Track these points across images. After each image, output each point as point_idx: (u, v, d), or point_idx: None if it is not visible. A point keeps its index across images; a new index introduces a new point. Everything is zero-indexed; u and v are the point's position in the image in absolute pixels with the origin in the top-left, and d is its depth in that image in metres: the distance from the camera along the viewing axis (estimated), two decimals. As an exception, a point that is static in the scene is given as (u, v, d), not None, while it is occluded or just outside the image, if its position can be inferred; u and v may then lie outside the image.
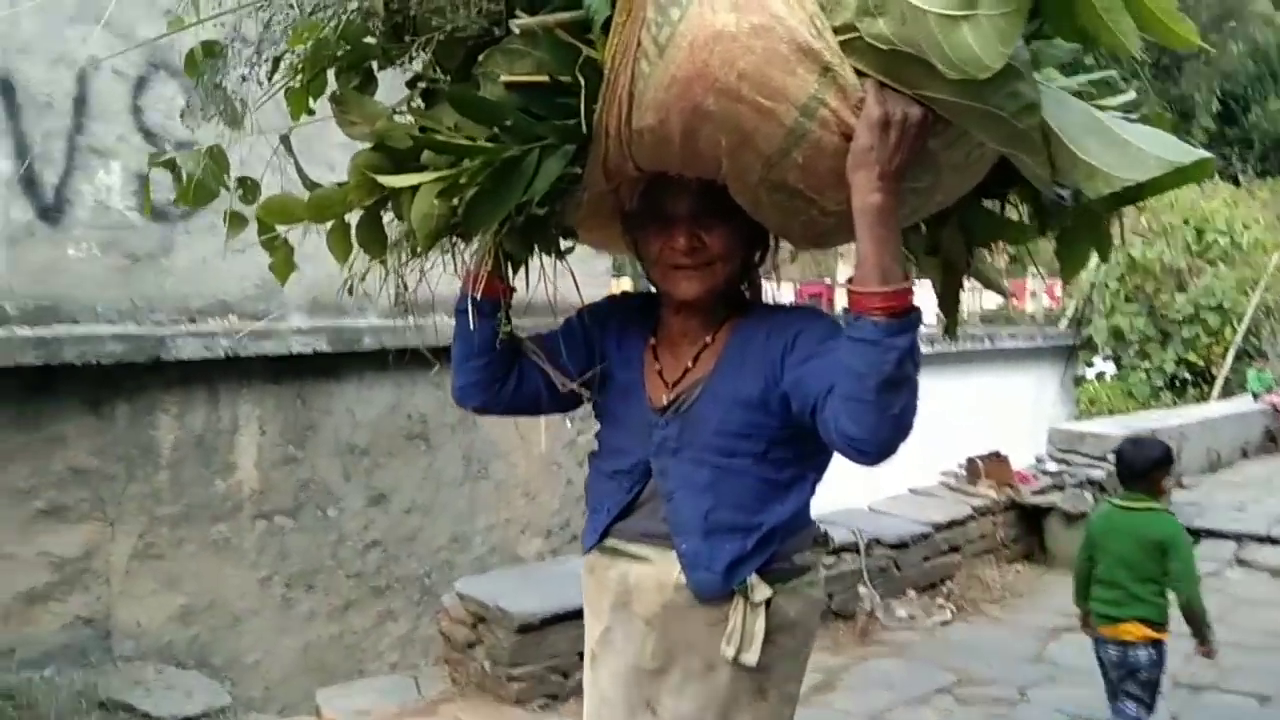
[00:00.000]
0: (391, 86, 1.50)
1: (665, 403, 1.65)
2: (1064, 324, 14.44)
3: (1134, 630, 3.20)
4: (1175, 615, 3.24)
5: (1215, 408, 10.77)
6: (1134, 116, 1.39)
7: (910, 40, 1.17)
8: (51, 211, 3.73)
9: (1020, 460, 6.81)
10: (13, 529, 3.59)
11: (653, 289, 1.76)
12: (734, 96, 1.27)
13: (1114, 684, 3.28)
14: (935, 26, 1.13)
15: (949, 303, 1.72)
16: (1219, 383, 12.71)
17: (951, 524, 5.73)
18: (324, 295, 4.10)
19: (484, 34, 1.37)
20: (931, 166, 1.34)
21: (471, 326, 1.64)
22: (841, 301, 11.20)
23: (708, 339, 1.66)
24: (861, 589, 4.99)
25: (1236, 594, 5.62)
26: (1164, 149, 1.20)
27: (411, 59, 1.45)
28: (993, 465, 6.41)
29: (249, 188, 1.65)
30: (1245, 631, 4.82)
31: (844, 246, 1.65)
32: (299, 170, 1.57)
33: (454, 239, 1.50)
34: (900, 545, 5.32)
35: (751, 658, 1.54)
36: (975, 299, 13.74)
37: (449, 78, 1.44)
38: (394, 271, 1.55)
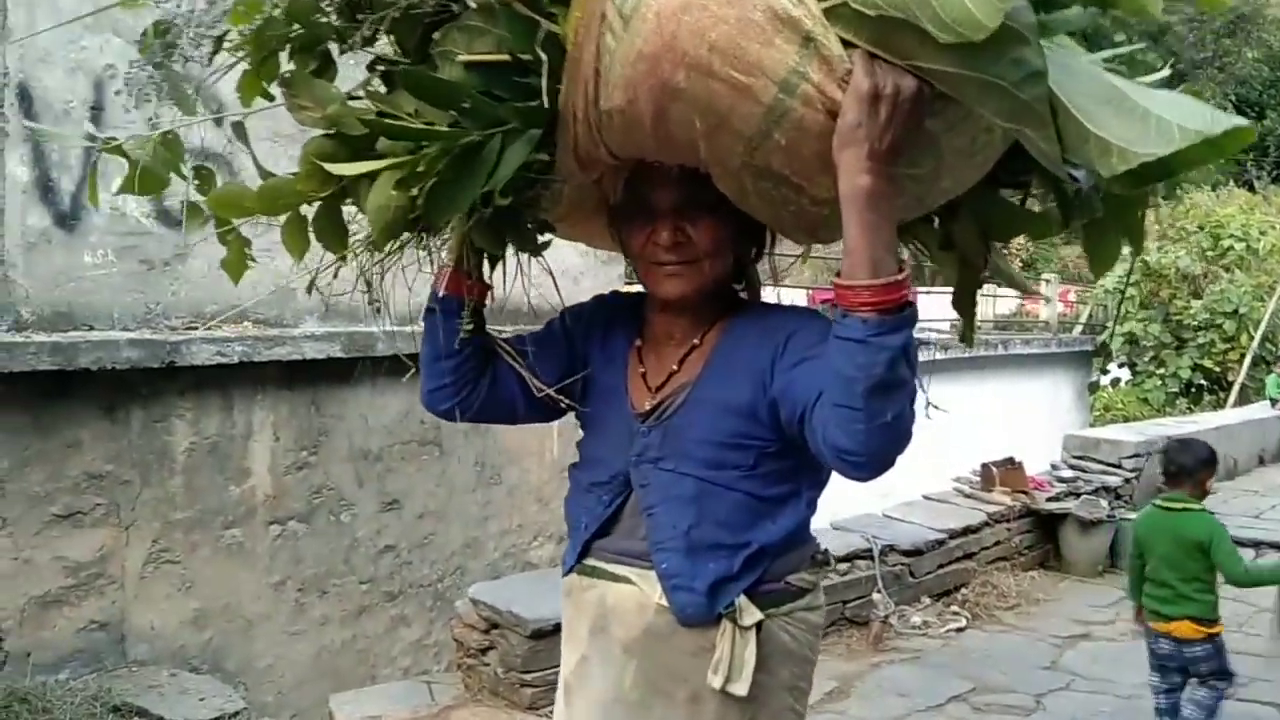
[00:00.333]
0: (359, 71, 1.42)
1: (647, 408, 1.53)
2: (1078, 330, 14.38)
3: (1185, 628, 3.35)
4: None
5: (1231, 414, 10.70)
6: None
7: (900, 3, 1.05)
8: (68, 219, 3.75)
9: (1035, 467, 6.78)
10: (29, 534, 3.61)
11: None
12: (706, 72, 1.15)
13: (1172, 673, 3.45)
14: None
15: (965, 303, 1.58)
16: (1235, 389, 12.63)
17: (966, 531, 5.70)
18: (337, 301, 4.11)
19: (441, 10, 1.27)
20: (933, 150, 1.21)
21: (439, 327, 1.53)
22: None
23: (695, 341, 1.53)
24: (875, 596, 4.97)
25: (1255, 601, 5.57)
26: (1191, 118, 1.03)
27: (373, 40, 1.34)
28: (1007, 472, 6.37)
29: (205, 177, 1.54)
30: (1266, 640, 4.78)
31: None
32: (254, 159, 1.49)
33: (419, 233, 1.40)
34: (914, 552, 5.30)
35: (741, 688, 1.41)
36: (989, 305, 13.69)
37: (408, 59, 1.33)
38: (363, 269, 1.46)
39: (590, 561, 1.56)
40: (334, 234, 1.41)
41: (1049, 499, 6.30)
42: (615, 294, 1.75)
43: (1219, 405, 12.43)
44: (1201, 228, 13.64)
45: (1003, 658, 4.70)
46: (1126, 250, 1.46)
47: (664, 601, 1.45)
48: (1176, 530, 3.35)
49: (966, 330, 1.68)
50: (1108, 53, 1.28)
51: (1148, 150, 1.03)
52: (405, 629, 4.90)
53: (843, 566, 4.94)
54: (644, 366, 1.57)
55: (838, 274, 1.19)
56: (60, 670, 3.64)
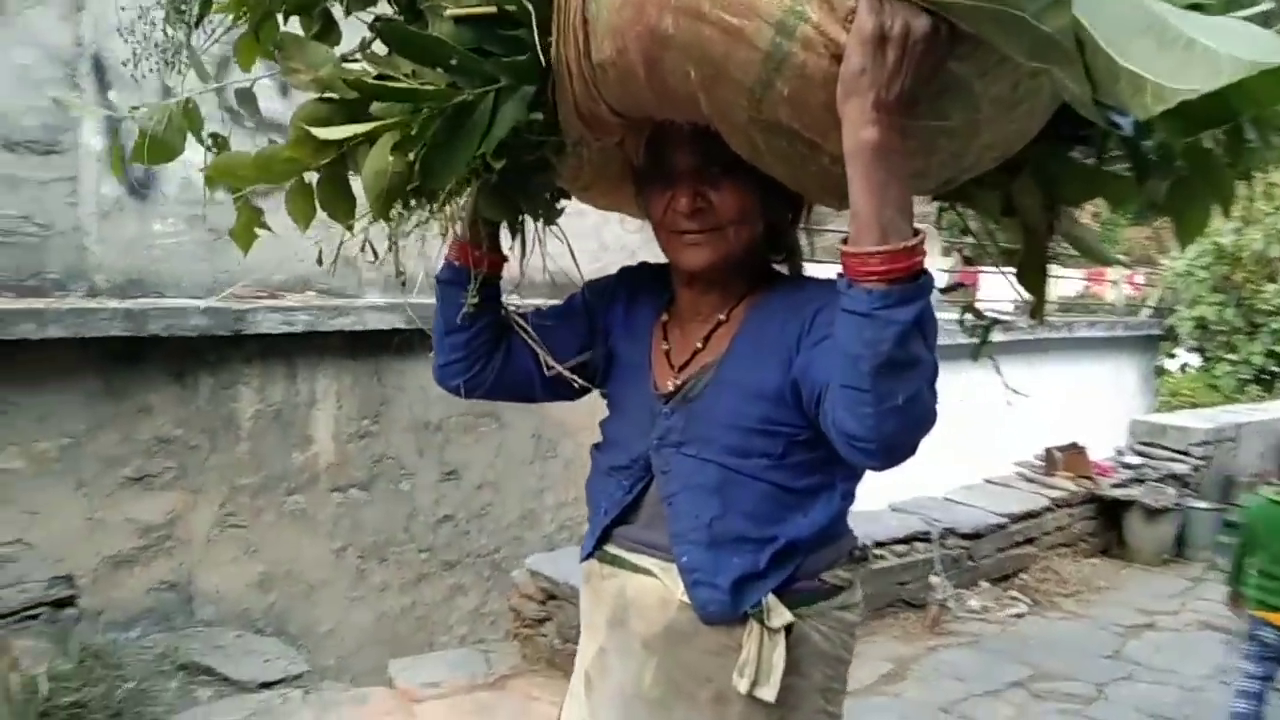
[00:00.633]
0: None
1: (670, 388, 1.42)
2: (1146, 313, 14.02)
3: None
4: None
5: (1306, 403, 10.37)
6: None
7: None
8: (140, 187, 3.82)
9: (1098, 452, 6.64)
10: (102, 495, 3.70)
11: None
12: (694, 14, 1.04)
13: (1271, 663, 3.47)
14: None
15: (1030, 276, 1.43)
16: (1310, 377, 12.22)
17: (1027, 515, 5.61)
18: (402, 272, 4.12)
19: None
20: (965, 99, 1.06)
21: (449, 298, 1.45)
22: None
23: (721, 316, 1.42)
24: (933, 579, 4.91)
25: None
26: (1249, 46, 0.86)
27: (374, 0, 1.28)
28: (1071, 457, 6.25)
29: (221, 144, 1.48)
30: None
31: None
32: (260, 126, 1.46)
33: (426, 200, 1.32)
34: (974, 535, 5.22)
35: (769, 692, 1.31)
36: (1052, 286, 13.38)
37: (401, 16, 1.26)
38: (392, 239, 1.38)
39: (610, 548, 1.47)
40: (339, 202, 1.34)
41: (1114, 485, 6.16)
42: (642, 266, 1.63)
43: (1292, 393, 12.05)
44: (1278, 208, 13.19)
45: (1063, 645, 4.62)
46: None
47: (686, 598, 1.36)
48: None
49: (1036, 307, 1.50)
50: None
51: (1188, 86, 0.87)
52: (462, 597, 4.96)
53: (900, 548, 4.88)
54: (668, 343, 1.47)
55: (843, 240, 1.07)
56: (131, 628, 3.75)
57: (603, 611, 1.47)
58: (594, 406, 1.66)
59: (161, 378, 3.85)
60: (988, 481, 6.15)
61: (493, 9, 1.15)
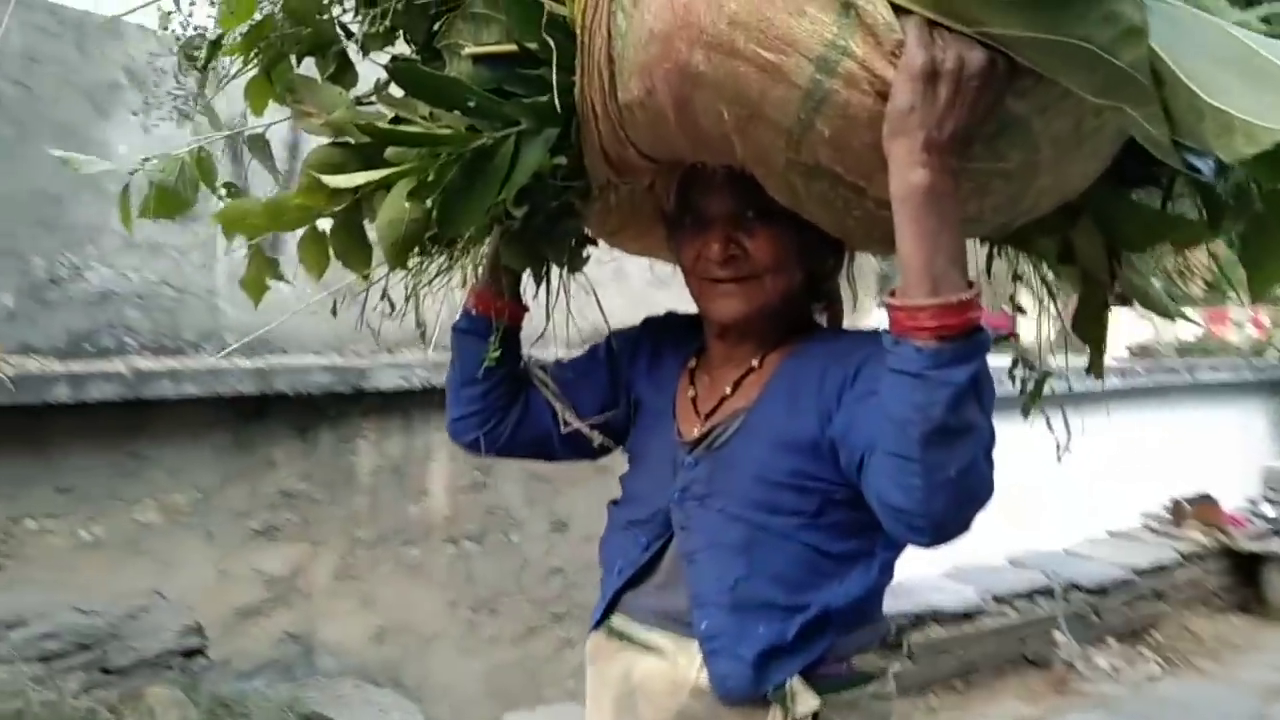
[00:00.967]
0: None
1: (695, 436, 1.34)
2: (1273, 356, 13.35)
3: None
4: None
5: None
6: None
7: None
8: (267, 248, 3.98)
9: (1230, 502, 6.31)
10: (230, 547, 3.83)
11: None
12: (728, 50, 0.97)
13: None
14: None
15: (1089, 326, 1.34)
16: None
17: (1156, 569, 5.36)
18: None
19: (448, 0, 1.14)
20: (1023, 139, 0.98)
21: (467, 349, 1.40)
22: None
23: (754, 363, 1.34)
24: (1057, 636, 4.72)
25: None
26: None
27: (392, 38, 1.23)
28: (1201, 507, 5.97)
29: (234, 193, 1.45)
30: None
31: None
32: (274, 173, 1.42)
33: (445, 248, 1.26)
34: (1099, 591, 5.01)
35: None
36: (1172, 329, 12.88)
37: (418, 55, 1.21)
38: (412, 290, 1.34)
39: (618, 621, 1.37)
40: (354, 251, 1.28)
41: (1250, 537, 5.85)
42: (669, 315, 1.56)
43: None
44: None
45: (1203, 708, 4.38)
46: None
47: (701, 682, 1.24)
48: None
49: (1094, 360, 1.40)
50: (1263, 9, 0.99)
51: None
52: (570, 651, 4.95)
53: (1021, 604, 4.71)
54: (695, 389, 1.40)
55: (890, 292, 0.99)
56: (255, 678, 3.84)
57: (608, 694, 1.37)
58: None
59: (286, 433, 3.98)
60: (1111, 534, 5.90)
61: (513, 48, 1.08)
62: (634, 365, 1.48)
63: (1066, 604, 4.83)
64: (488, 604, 4.65)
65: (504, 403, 1.45)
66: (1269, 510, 6.36)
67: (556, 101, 1.07)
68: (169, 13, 1.36)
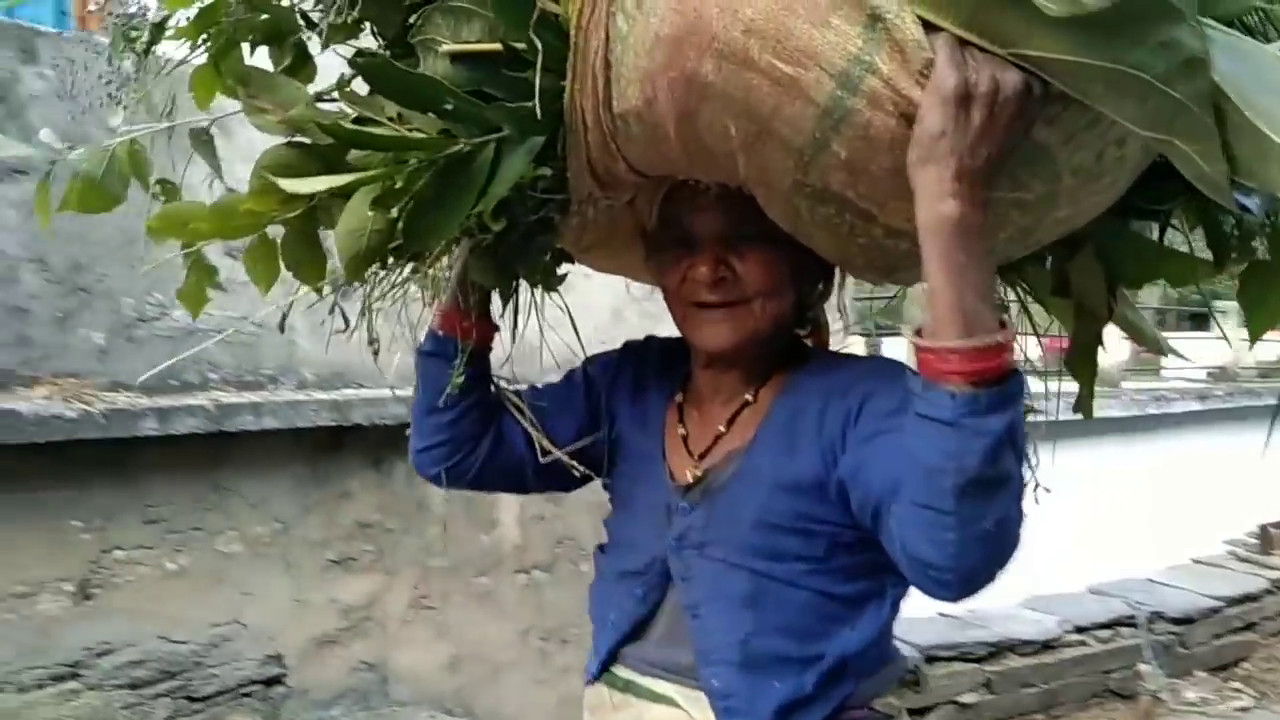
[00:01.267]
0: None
1: (690, 479, 1.25)
2: (1360, 376, 12.88)
3: None
4: None
5: None
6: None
7: None
8: (341, 282, 4.09)
9: (1321, 528, 6.08)
10: (308, 577, 3.90)
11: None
12: (741, 61, 0.90)
13: None
14: None
15: (1082, 364, 1.27)
16: None
17: (1245, 599, 5.17)
18: (577, 357, 4.25)
19: None
20: (1046, 169, 0.93)
21: (433, 374, 1.30)
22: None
23: (748, 397, 1.25)
24: (1142, 667, 4.58)
25: None
26: None
27: (355, 30, 1.12)
28: (1290, 534, 5.75)
29: (170, 191, 1.32)
30: None
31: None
32: (218, 172, 1.29)
33: (409, 262, 1.16)
34: (1185, 620, 4.85)
35: None
36: (1249, 351, 12.49)
37: (387, 50, 1.11)
38: (366, 304, 1.25)
39: (621, 671, 1.28)
40: (307, 262, 1.18)
41: (1346, 566, 5.63)
42: (650, 340, 1.46)
43: None
44: None
45: (1300, 744, 4.20)
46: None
47: None
48: None
49: (1084, 398, 1.31)
50: None
51: None
52: (641, 681, 4.94)
53: (1104, 634, 4.58)
54: (685, 428, 1.30)
55: (916, 331, 0.92)
56: (333, 707, 3.90)
57: None
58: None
59: (361, 464, 4.06)
60: (1195, 561, 5.72)
61: (497, 46, 0.98)
62: (614, 395, 1.39)
63: (1151, 634, 4.68)
64: (558, 633, 4.67)
65: (474, 431, 1.34)
66: (1363, 536, 6.12)
67: (541, 108, 0.97)
68: None
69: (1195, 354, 9.11)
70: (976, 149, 0.85)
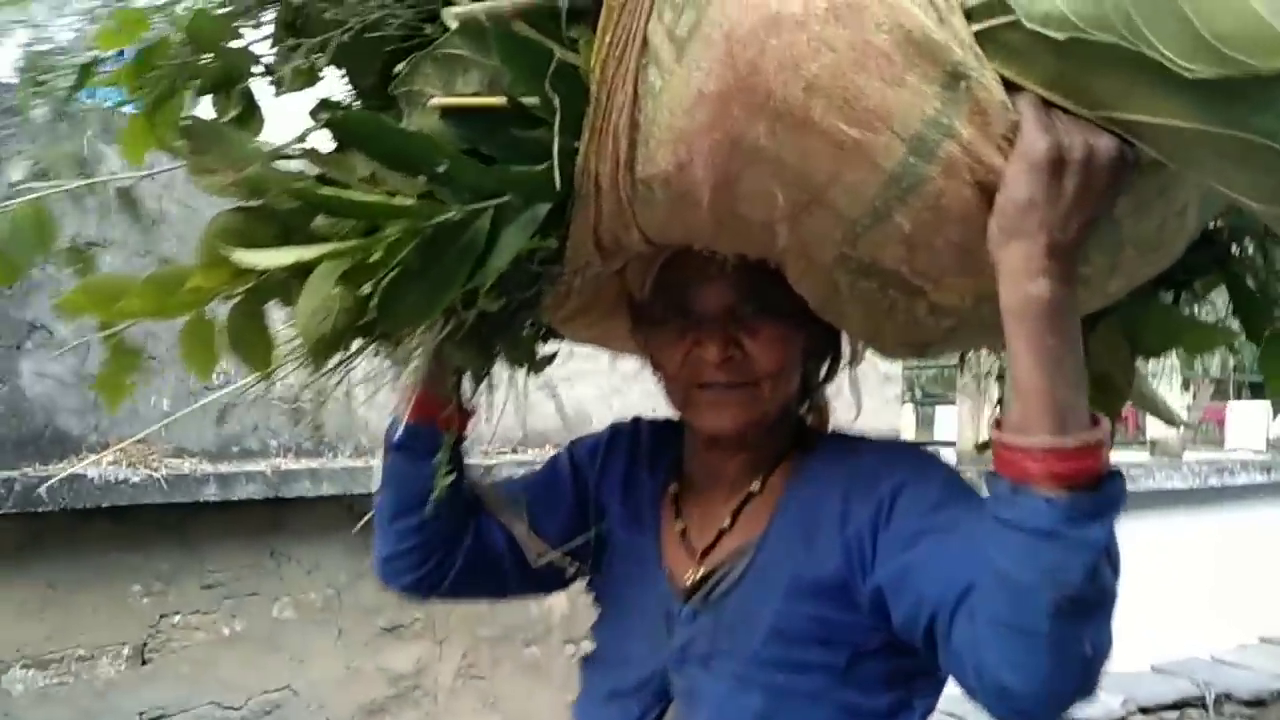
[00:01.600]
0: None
1: (691, 582, 1.11)
2: None
3: None
4: None
5: None
6: None
7: (1108, 21, 0.66)
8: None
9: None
10: (359, 644, 3.92)
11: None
12: (800, 122, 0.79)
13: None
14: None
15: None
16: None
17: (1319, 680, 4.97)
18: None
19: (410, 34, 0.91)
20: (1110, 241, 0.85)
21: (405, 471, 1.15)
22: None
23: (753, 487, 1.13)
24: (1212, 751, 4.41)
25: None
26: None
27: (314, 77, 0.98)
28: (1364, 612, 5.54)
29: (86, 261, 1.15)
30: None
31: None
32: (144, 232, 1.10)
33: (370, 342, 1.02)
34: (1256, 702, 4.68)
35: None
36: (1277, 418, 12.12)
37: (360, 101, 0.99)
38: (320, 393, 1.12)
39: None
40: (254, 344, 1.00)
41: None
42: (639, 422, 1.32)
43: None
44: None
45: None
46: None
47: None
48: None
49: None
50: None
51: None
52: (690, 756, 4.86)
53: (1170, 715, 4.43)
54: (683, 521, 1.17)
55: (997, 424, 0.82)
56: (381, 776, 3.88)
57: None
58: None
59: (413, 531, 4.10)
60: (1263, 640, 5.52)
61: (500, 101, 0.86)
62: (603, 484, 1.25)
63: (1220, 716, 4.52)
64: (606, 706, 4.63)
65: (450, 532, 1.17)
66: None
67: (558, 173, 0.85)
68: (14, 21, 1.06)
69: (1257, 424, 8.89)
70: (1069, 222, 0.76)
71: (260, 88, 1.03)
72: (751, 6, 0.77)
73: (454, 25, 0.86)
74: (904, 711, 1.05)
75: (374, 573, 1.22)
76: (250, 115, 1.03)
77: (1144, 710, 4.33)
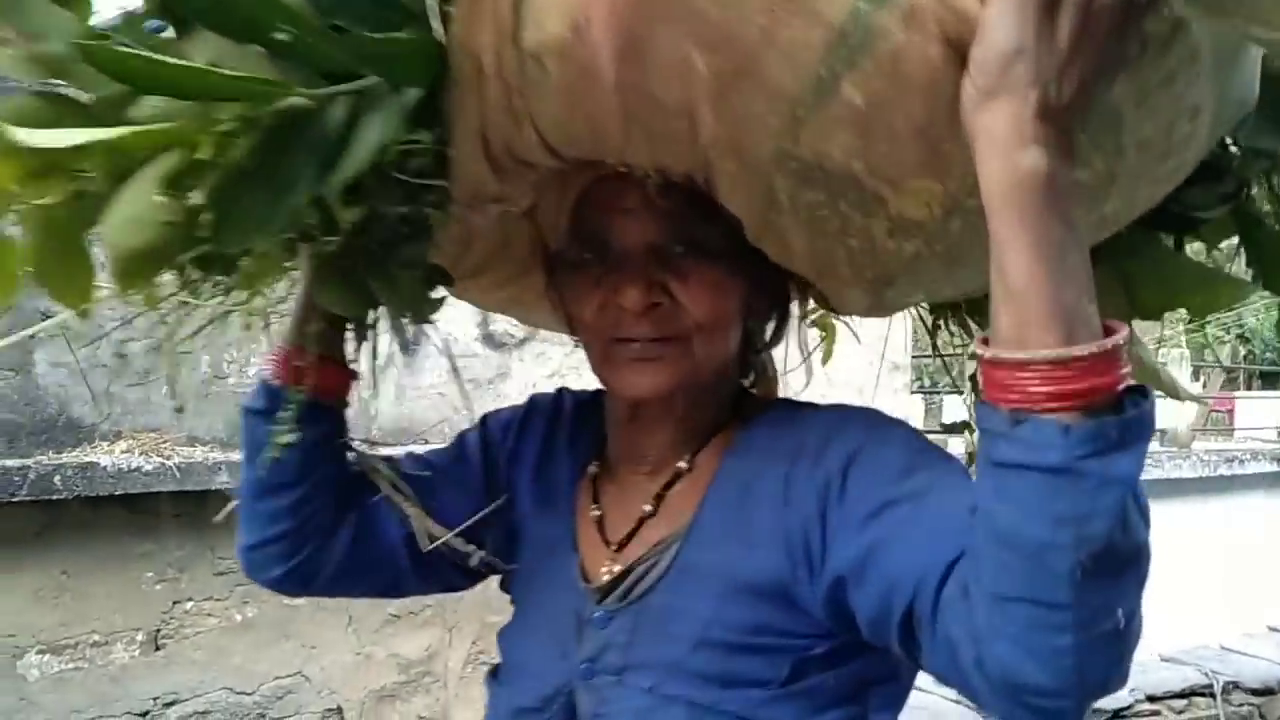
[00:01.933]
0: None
1: (606, 578, 0.94)
2: None
3: None
4: None
5: None
6: None
7: None
8: (410, 345, 4.20)
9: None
10: (369, 631, 3.95)
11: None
12: None
13: None
14: None
15: None
16: None
17: (1326, 668, 4.97)
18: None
19: None
20: (1110, 138, 0.69)
21: (264, 440, 0.93)
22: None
23: (681, 464, 0.96)
24: (1219, 740, 4.42)
25: None
26: None
27: None
28: (1373, 601, 5.53)
29: None
30: None
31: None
32: None
33: (210, 275, 0.81)
34: (1265, 691, 4.68)
35: None
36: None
37: None
38: (166, 338, 0.93)
39: None
40: (68, 271, 0.79)
41: None
42: (563, 393, 1.14)
43: None
44: None
45: (1391, 825, 4.00)
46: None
47: None
48: None
49: None
50: None
51: None
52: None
53: (1178, 704, 4.44)
54: (599, 507, 1.00)
55: (983, 340, 0.64)
56: (392, 762, 3.92)
57: None
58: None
59: (423, 519, 4.12)
60: (1272, 629, 5.53)
61: None
62: (515, 465, 1.08)
63: (1228, 705, 4.52)
64: (615, 692, 4.66)
65: (325, 519, 0.99)
66: None
67: (419, 49, 0.68)
68: None
69: (1268, 413, 8.87)
70: (1064, 76, 0.59)
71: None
72: None
73: None
74: None
75: (239, 563, 1.04)
76: None
77: (1151, 699, 4.34)
